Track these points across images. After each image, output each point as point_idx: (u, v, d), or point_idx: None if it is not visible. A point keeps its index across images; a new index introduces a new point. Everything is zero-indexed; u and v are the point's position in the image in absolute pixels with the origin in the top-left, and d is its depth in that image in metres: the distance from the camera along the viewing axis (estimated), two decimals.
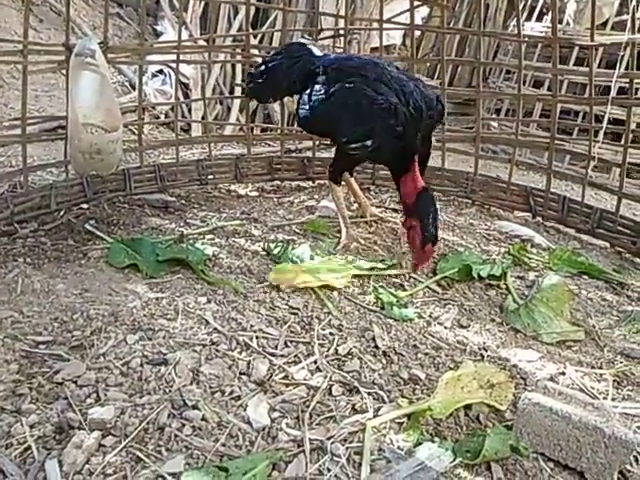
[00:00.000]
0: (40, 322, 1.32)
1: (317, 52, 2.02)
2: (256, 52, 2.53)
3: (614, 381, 1.39)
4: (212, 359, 1.24)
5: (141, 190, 2.25)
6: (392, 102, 1.73)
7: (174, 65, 2.35)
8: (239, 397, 1.15)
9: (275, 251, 1.79)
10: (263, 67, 2.10)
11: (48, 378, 1.15)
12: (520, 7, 3.86)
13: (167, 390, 1.14)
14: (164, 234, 1.91)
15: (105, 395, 1.11)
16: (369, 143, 1.77)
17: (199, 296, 1.50)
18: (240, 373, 1.22)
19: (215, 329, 1.34)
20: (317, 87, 1.86)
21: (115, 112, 1.92)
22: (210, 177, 2.42)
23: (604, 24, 3.73)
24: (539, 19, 4.18)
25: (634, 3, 2.15)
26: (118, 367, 1.19)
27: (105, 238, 1.84)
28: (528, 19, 4.22)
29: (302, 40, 2.41)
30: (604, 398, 1.31)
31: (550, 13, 2.40)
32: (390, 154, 1.82)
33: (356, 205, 2.20)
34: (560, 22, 3.83)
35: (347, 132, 1.81)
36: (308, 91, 1.89)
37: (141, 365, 1.20)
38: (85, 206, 2.12)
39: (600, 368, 1.44)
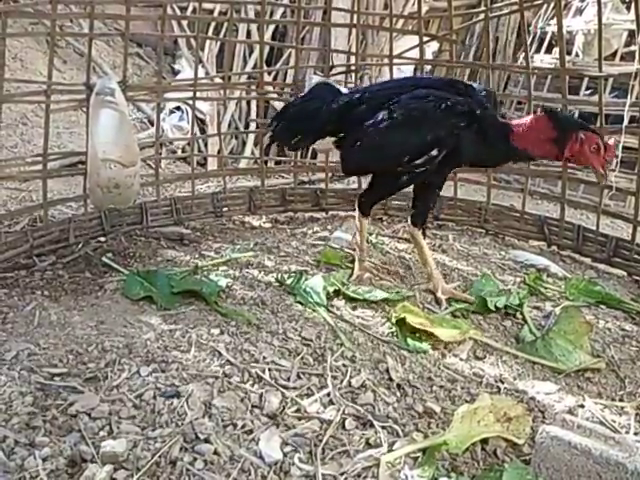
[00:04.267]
0: (56, 354, 1.33)
1: (344, 90, 1.96)
2: (270, 88, 2.60)
3: (636, 414, 1.35)
4: (224, 392, 1.24)
5: (157, 223, 2.29)
6: (447, 101, 1.65)
7: (191, 102, 2.42)
8: (251, 431, 1.14)
9: (288, 282, 1.80)
10: (288, 109, 1.96)
11: (62, 410, 1.15)
12: (529, 40, 3.93)
13: (179, 423, 1.14)
14: (179, 266, 1.93)
15: (118, 428, 1.11)
16: (435, 153, 1.67)
17: (212, 328, 1.50)
18: (252, 406, 1.21)
19: (228, 361, 1.34)
20: (360, 121, 1.74)
21: (133, 148, 1.98)
22: (225, 209, 2.46)
23: (613, 55, 3.77)
24: (548, 51, 4.23)
25: None
26: (131, 399, 1.19)
27: (121, 270, 1.87)
28: (537, 51, 4.28)
29: (324, 79, 2.40)
30: (626, 432, 1.27)
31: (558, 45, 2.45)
32: (474, 150, 1.69)
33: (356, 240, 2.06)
34: (569, 53, 3.88)
35: (407, 150, 1.69)
36: (351, 132, 1.77)
37: (154, 397, 1.20)
38: (103, 239, 2.17)
39: (621, 400, 1.40)
